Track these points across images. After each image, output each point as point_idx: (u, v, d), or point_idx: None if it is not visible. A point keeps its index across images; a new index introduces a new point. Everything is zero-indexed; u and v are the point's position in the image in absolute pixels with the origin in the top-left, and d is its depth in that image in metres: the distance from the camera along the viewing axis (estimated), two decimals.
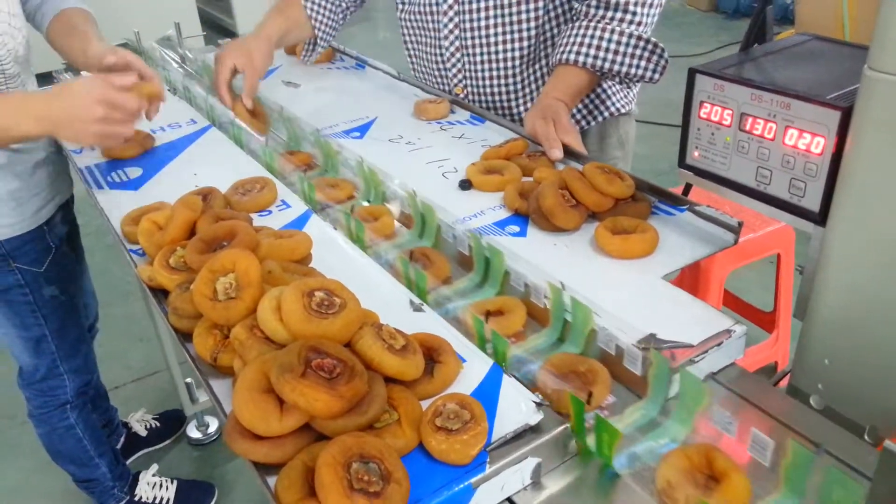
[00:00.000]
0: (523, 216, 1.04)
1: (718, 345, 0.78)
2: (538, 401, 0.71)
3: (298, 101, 1.54)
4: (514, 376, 0.75)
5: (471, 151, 1.24)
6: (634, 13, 1.24)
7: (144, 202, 1.10)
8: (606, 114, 1.47)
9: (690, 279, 1.85)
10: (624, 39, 1.23)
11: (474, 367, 0.76)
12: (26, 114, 1.06)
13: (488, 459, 0.66)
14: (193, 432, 2.11)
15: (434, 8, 1.39)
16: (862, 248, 0.73)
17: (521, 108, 1.44)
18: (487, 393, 0.73)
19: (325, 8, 1.54)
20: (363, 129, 1.37)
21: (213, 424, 2.12)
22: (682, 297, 0.86)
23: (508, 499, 0.68)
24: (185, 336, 0.83)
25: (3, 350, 1.55)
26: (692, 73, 0.88)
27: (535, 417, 0.69)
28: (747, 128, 0.84)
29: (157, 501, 1.83)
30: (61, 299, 1.47)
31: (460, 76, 1.45)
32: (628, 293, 0.87)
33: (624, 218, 0.97)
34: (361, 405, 0.66)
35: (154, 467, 1.88)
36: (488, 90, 1.44)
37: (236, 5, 4.41)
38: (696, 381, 0.69)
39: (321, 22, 1.55)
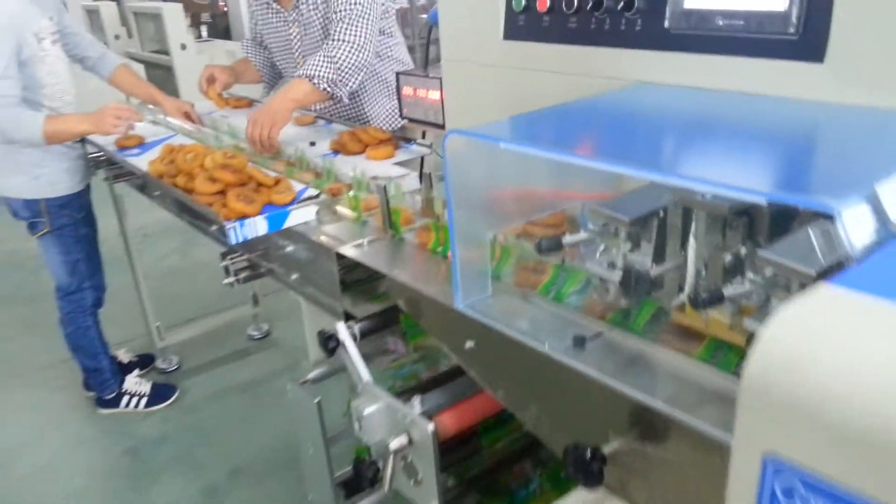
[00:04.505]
0: (338, 151, 2.14)
1: (406, 175, 1.87)
2: (320, 189, 1.78)
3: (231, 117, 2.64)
4: None
5: (320, 134, 2.35)
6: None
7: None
8: None
9: None
10: None
11: (298, 187, 1.83)
12: (81, 121, 2.18)
13: (295, 204, 1.71)
14: (160, 364, 3.06)
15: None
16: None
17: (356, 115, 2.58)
18: (301, 192, 1.79)
19: (260, 57, 2.67)
20: None
21: (175, 359, 3.08)
22: (397, 168, 1.96)
23: (306, 223, 1.73)
24: (172, 185, 1.87)
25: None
26: (398, 76, 2.01)
27: (315, 192, 1.76)
28: (416, 94, 1.96)
29: (138, 393, 2.77)
30: (90, 236, 2.51)
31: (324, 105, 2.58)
32: (381, 170, 1.96)
33: (379, 144, 2.09)
34: (246, 185, 1.72)
35: (136, 371, 2.83)
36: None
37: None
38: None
39: (260, 66, 2.68)
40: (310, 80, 2.18)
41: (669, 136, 1.04)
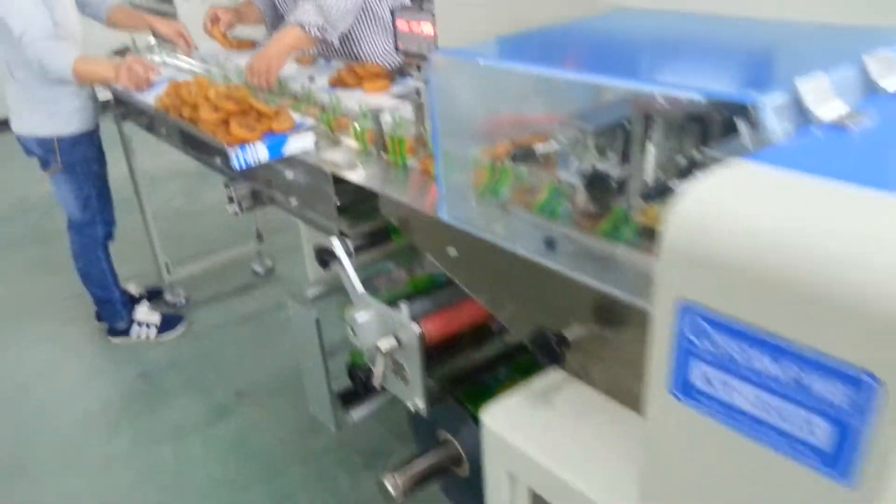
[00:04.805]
0: (335, 86, 2.22)
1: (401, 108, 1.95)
2: (314, 122, 1.87)
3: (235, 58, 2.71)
4: None
5: (319, 71, 2.43)
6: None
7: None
8: None
9: None
10: None
11: (297, 118, 1.92)
12: (105, 67, 2.26)
13: (293, 133, 1.81)
14: (169, 297, 3.19)
15: None
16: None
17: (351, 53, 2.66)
18: (300, 123, 1.88)
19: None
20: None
21: (183, 293, 3.21)
22: (393, 101, 2.04)
23: (305, 152, 1.82)
24: (178, 118, 1.96)
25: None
26: (392, 13, 2.07)
27: (314, 122, 1.85)
28: (409, 29, 2.03)
29: (148, 322, 2.91)
30: (101, 173, 2.61)
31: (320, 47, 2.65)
32: (378, 103, 2.04)
33: (377, 78, 2.16)
34: (247, 114, 1.81)
35: (145, 302, 2.96)
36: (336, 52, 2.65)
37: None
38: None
39: (263, 8, 2.74)
40: (300, 27, 2.28)
41: (633, 53, 1.12)
